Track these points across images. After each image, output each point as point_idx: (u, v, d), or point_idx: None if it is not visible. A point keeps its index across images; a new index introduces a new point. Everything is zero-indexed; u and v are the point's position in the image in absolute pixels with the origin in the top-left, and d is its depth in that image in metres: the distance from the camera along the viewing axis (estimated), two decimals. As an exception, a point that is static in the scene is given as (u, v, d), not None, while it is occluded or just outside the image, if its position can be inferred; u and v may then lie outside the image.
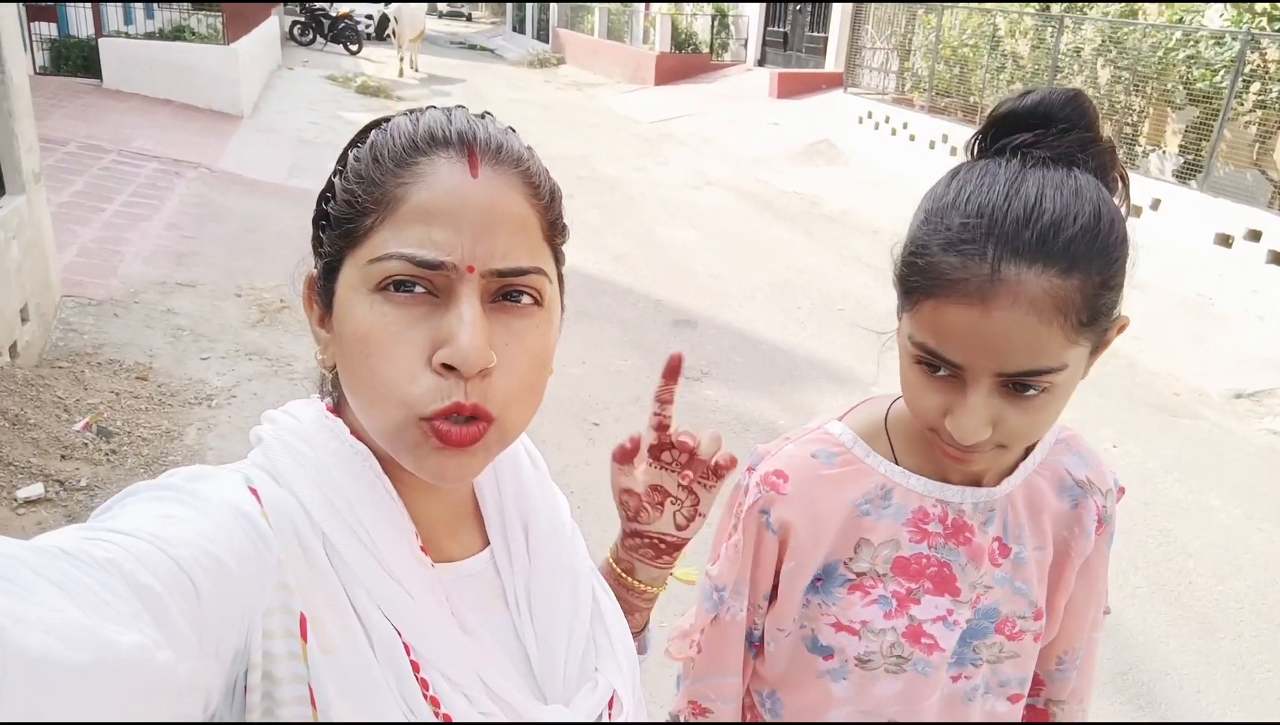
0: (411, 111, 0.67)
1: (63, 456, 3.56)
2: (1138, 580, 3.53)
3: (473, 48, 29.35)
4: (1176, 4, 8.39)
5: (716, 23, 19.25)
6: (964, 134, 10.15)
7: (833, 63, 14.66)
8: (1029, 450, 0.99)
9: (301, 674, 0.58)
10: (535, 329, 0.65)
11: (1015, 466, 0.98)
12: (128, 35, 11.96)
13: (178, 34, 12.25)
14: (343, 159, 0.67)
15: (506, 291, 0.63)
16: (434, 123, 0.65)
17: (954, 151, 10.31)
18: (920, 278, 0.81)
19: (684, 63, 18.65)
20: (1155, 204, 7.60)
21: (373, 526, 0.63)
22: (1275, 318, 6.17)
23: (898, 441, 0.97)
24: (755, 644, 1.05)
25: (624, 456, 0.85)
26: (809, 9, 16.35)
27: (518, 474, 0.78)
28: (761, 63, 17.75)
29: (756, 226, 8.62)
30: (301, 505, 0.62)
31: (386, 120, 0.67)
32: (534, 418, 0.67)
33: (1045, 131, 0.80)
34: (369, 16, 17.97)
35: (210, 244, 6.29)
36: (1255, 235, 6.65)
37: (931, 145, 10.78)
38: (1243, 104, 7.33)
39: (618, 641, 0.77)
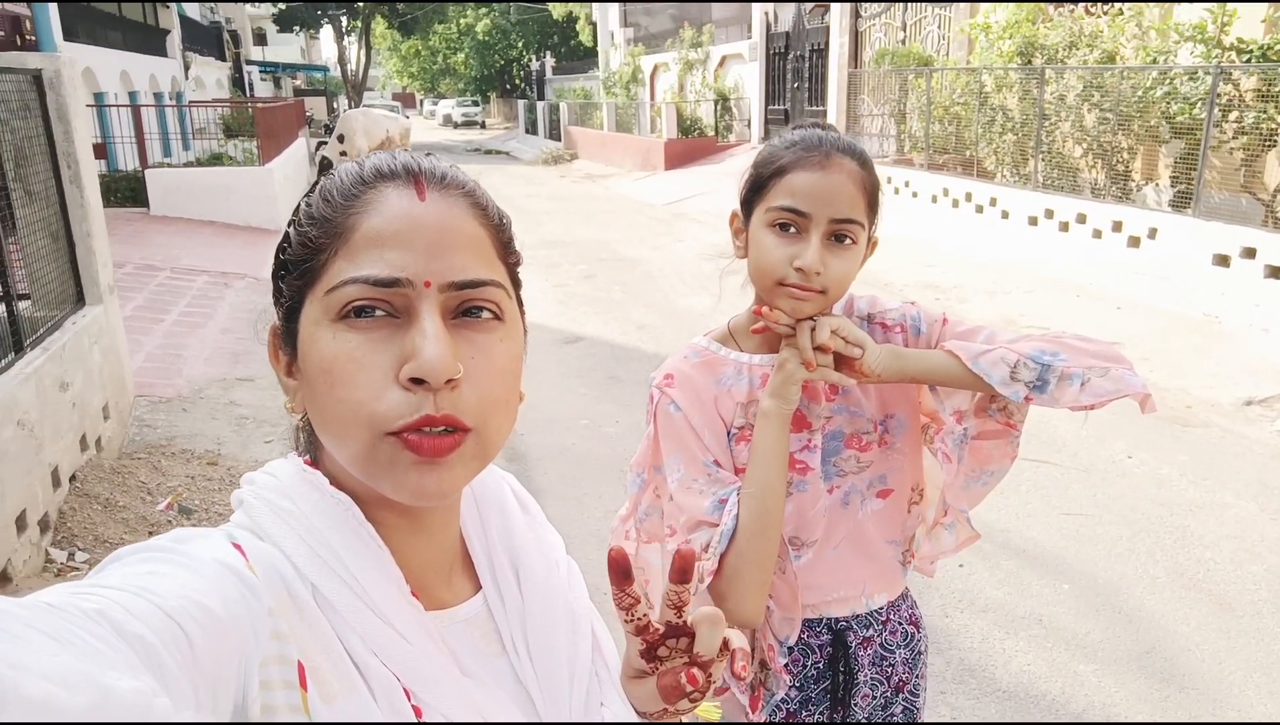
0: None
1: (150, 533, 3.90)
2: (1156, 571, 3.72)
3: (489, 152, 30.61)
4: (1150, 46, 8.83)
5: (719, 106, 20.10)
6: (963, 187, 10.56)
7: (833, 133, 15.22)
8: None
9: None
10: (499, 343, 0.65)
11: None
12: (169, 165, 12.84)
13: (215, 160, 13.13)
14: (296, 210, 0.69)
15: (466, 307, 0.64)
16: (379, 160, 0.67)
17: (955, 204, 10.70)
18: (777, 173, 1.24)
19: (691, 146, 19.44)
20: (1152, 232, 7.90)
21: (361, 574, 0.63)
22: (1278, 329, 6.38)
23: (740, 339, 1.38)
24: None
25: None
26: (806, 85, 17.07)
27: (505, 517, 0.78)
28: (765, 140, 18.38)
29: (772, 289, 8.95)
30: (287, 558, 0.62)
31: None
32: (511, 433, 0.68)
33: None
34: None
35: (263, 343, 6.74)
36: (1250, 252, 6.91)
37: (934, 200, 11.18)
38: (1224, 133, 7.67)
39: (619, 672, 0.77)
